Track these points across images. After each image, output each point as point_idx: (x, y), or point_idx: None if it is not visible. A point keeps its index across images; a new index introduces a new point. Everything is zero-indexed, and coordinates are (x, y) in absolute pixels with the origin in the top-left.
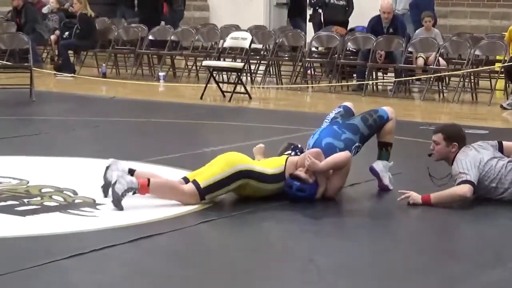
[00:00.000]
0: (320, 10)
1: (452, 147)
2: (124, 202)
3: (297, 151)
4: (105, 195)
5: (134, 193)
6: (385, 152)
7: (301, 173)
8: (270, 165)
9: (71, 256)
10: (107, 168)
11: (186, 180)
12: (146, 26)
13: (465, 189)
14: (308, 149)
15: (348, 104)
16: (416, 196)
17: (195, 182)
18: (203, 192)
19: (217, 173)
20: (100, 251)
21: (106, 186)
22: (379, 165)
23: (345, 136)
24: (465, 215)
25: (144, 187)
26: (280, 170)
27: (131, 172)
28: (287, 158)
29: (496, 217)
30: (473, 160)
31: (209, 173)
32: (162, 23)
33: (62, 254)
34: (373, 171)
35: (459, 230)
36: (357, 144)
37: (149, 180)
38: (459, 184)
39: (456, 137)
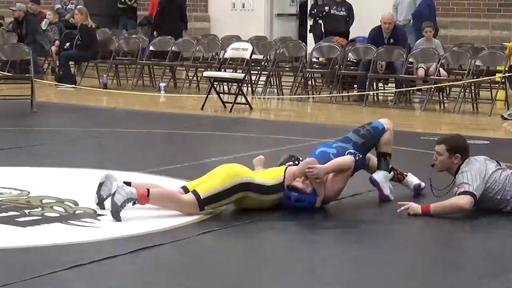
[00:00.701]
0: (320, 21)
1: (454, 158)
2: (124, 213)
3: (297, 162)
4: (102, 209)
5: (134, 203)
6: (384, 163)
7: (298, 183)
8: (270, 175)
9: (71, 267)
10: (100, 184)
11: (185, 190)
12: (172, 37)
13: (464, 201)
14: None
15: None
16: (415, 207)
17: (195, 193)
18: (203, 203)
19: (218, 184)
20: (101, 262)
21: (101, 202)
22: (379, 176)
23: (336, 144)
24: (466, 225)
25: (144, 197)
26: (279, 180)
27: (127, 184)
28: (286, 168)
29: (497, 228)
30: (478, 171)
31: (209, 184)
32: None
33: (62, 265)
34: (373, 181)
35: (460, 240)
36: (350, 150)
37: (148, 190)
38: (459, 194)
39: (459, 148)
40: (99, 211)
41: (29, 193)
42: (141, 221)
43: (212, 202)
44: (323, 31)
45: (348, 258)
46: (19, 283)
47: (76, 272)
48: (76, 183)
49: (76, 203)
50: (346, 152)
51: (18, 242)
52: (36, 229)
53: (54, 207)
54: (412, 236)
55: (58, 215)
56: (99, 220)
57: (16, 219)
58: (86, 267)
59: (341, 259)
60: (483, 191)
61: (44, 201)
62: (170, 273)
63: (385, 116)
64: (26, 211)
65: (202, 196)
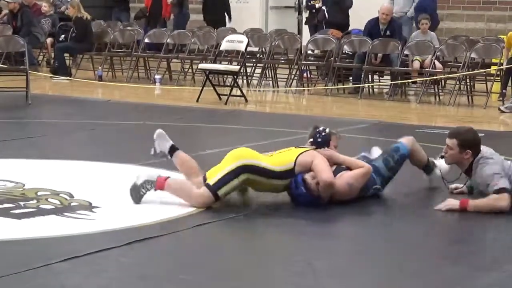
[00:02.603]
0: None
1: (465, 154)
2: (119, 205)
3: (319, 139)
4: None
5: (150, 188)
6: (428, 168)
7: (311, 182)
8: (279, 161)
9: (66, 259)
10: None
11: (204, 179)
12: (213, 27)
13: (505, 203)
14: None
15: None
16: (454, 203)
17: (207, 185)
18: (214, 189)
19: (223, 168)
20: (96, 254)
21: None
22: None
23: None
24: (461, 218)
25: (160, 184)
26: (289, 167)
27: (173, 149)
28: (298, 156)
29: (491, 220)
30: (501, 166)
31: (216, 170)
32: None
33: (57, 257)
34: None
35: (455, 233)
36: (377, 186)
37: (166, 178)
38: (495, 192)
39: (471, 144)
40: (94, 203)
41: (24, 185)
42: (136, 213)
43: (222, 186)
44: (326, 17)
45: (344, 251)
46: (14, 275)
47: (71, 264)
48: (71, 175)
49: (71, 195)
50: (372, 188)
51: (13, 234)
52: (31, 221)
53: (49, 199)
54: (408, 230)
55: (53, 207)
56: (94, 212)
57: (11, 211)
58: (81, 259)
59: (337, 252)
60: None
61: (39, 193)
62: (165, 265)
63: (381, 109)
64: (21, 203)
65: (211, 183)
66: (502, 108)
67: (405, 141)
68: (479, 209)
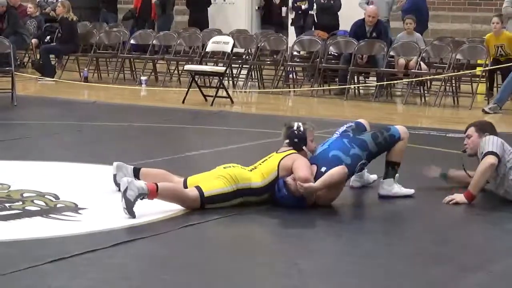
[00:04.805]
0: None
1: (484, 137)
2: (105, 207)
3: (296, 139)
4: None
5: (142, 198)
6: (392, 171)
7: (291, 182)
8: (265, 171)
9: (52, 261)
10: (115, 176)
11: (184, 183)
12: (198, 28)
13: (489, 160)
14: (314, 155)
15: (362, 120)
16: (461, 198)
17: (199, 189)
18: (205, 201)
19: (220, 187)
20: (82, 256)
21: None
22: (384, 190)
23: (353, 151)
24: (448, 219)
25: (153, 193)
26: (274, 176)
27: (136, 171)
28: (280, 161)
29: (478, 221)
30: (496, 139)
31: (213, 184)
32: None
33: (43, 259)
34: (384, 197)
35: (442, 234)
36: (363, 161)
37: (157, 186)
38: (483, 157)
39: (488, 128)
40: (80, 205)
41: (9, 186)
42: (122, 215)
43: (214, 202)
44: (315, 21)
45: (331, 252)
46: (0, 277)
47: (57, 266)
48: (57, 177)
49: (57, 197)
50: (358, 164)
51: None
52: (16, 222)
53: (34, 201)
54: (395, 231)
55: (39, 208)
56: (80, 214)
57: None
58: (67, 261)
59: (324, 252)
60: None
61: (24, 195)
62: (151, 266)
63: (367, 110)
64: (7, 204)
65: (205, 194)
66: (486, 109)
67: (399, 128)
68: (477, 184)
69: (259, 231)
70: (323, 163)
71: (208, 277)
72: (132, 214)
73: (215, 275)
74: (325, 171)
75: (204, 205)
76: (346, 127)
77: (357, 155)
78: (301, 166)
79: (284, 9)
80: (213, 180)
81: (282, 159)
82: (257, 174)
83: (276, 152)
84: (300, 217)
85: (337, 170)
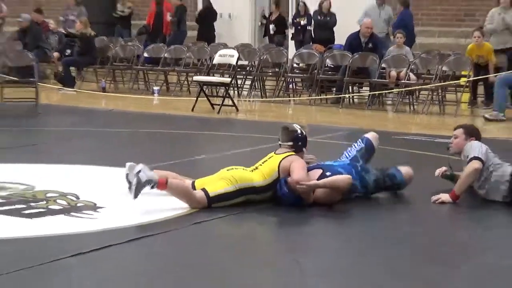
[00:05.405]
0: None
1: (469, 140)
2: (120, 206)
3: (300, 142)
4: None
5: (152, 187)
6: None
7: (292, 181)
8: (266, 172)
9: (73, 255)
10: (127, 175)
11: (193, 185)
12: (205, 42)
13: (474, 165)
14: (322, 163)
15: (370, 137)
16: (446, 197)
17: (205, 191)
18: (211, 200)
19: (223, 187)
20: (100, 251)
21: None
22: None
23: (354, 182)
24: (435, 220)
25: (162, 184)
26: (275, 176)
27: None
28: (280, 162)
29: (464, 220)
30: (479, 144)
31: (218, 185)
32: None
33: (65, 253)
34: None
35: (431, 233)
36: (359, 192)
37: (167, 180)
38: (468, 161)
39: (474, 132)
40: (98, 204)
41: (34, 187)
42: (137, 213)
43: (219, 201)
44: (313, 36)
45: (328, 250)
46: (26, 270)
47: (77, 259)
48: (77, 178)
49: (77, 197)
50: (355, 192)
51: (24, 233)
52: (41, 220)
53: (57, 200)
54: (391, 230)
55: (61, 207)
56: (98, 212)
57: (23, 212)
58: (86, 255)
59: (324, 251)
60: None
61: (48, 195)
62: (161, 261)
63: (360, 117)
64: (32, 204)
65: (210, 195)
66: (487, 115)
67: (405, 172)
68: (462, 186)
69: (262, 229)
70: (329, 171)
71: (214, 272)
72: (136, 195)
73: (220, 270)
74: (330, 176)
75: (211, 204)
76: (356, 151)
77: (356, 186)
78: (297, 169)
79: (271, 26)
80: (217, 182)
81: (282, 160)
82: (258, 174)
83: (275, 153)
84: (299, 216)
85: (343, 177)
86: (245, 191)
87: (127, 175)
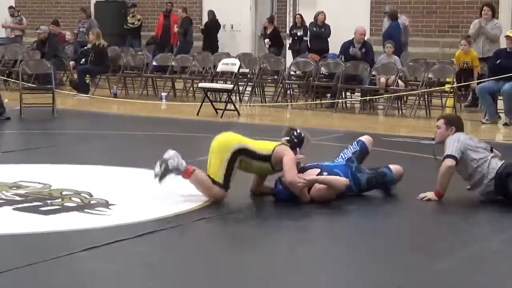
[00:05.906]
0: (306, 38)
1: (450, 130)
2: (131, 203)
3: (295, 139)
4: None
5: (177, 174)
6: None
7: (285, 180)
8: (261, 146)
9: (86, 249)
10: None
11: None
12: (210, 52)
13: (446, 163)
14: (319, 164)
15: (365, 140)
16: (432, 195)
17: (214, 181)
18: (223, 185)
19: (220, 163)
20: (111, 245)
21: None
22: None
23: (350, 182)
24: (421, 213)
25: (188, 173)
26: (268, 153)
27: None
28: (275, 147)
29: (446, 214)
30: (454, 139)
31: (215, 168)
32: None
33: (79, 247)
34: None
35: (417, 225)
36: (353, 191)
37: (194, 169)
38: (443, 159)
39: (454, 122)
40: (110, 201)
41: (50, 186)
42: (146, 209)
43: (228, 177)
44: (309, 46)
45: (323, 242)
46: (43, 262)
47: (91, 253)
48: (90, 178)
49: (91, 195)
50: (348, 191)
51: (41, 228)
52: (56, 217)
53: (72, 198)
54: (382, 223)
55: (76, 205)
56: (110, 209)
57: (40, 208)
58: (99, 249)
59: (317, 243)
60: (467, 163)
61: (63, 193)
62: (170, 254)
63: (353, 121)
64: (48, 201)
65: (220, 181)
66: (483, 120)
67: (396, 170)
68: (441, 183)
69: (263, 226)
70: (326, 171)
71: (218, 263)
72: (161, 179)
73: (224, 261)
74: (326, 175)
75: (226, 187)
76: (352, 153)
77: (350, 187)
78: (288, 168)
79: (266, 40)
80: (213, 165)
81: (277, 146)
82: (254, 143)
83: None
84: (297, 212)
85: (341, 179)
86: (240, 152)
87: (161, 161)
